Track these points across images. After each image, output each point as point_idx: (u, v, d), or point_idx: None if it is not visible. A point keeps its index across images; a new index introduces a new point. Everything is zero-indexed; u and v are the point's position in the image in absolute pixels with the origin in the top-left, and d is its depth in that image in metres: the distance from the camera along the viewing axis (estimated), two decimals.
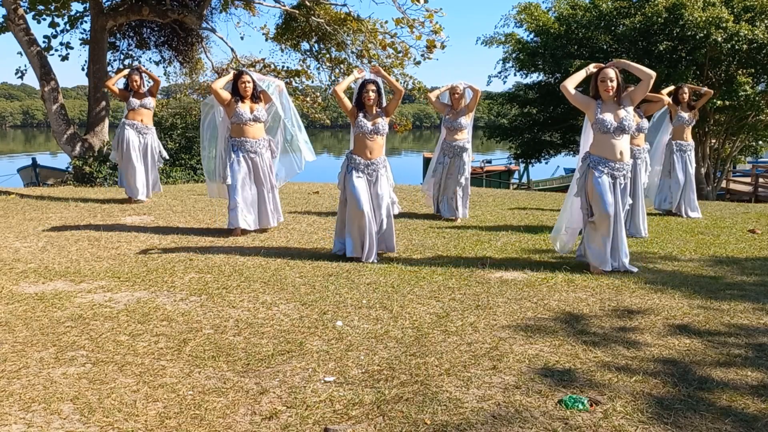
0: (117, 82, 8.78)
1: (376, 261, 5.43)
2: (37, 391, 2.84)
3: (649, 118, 7.68)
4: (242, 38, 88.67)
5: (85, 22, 14.23)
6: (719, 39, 16.09)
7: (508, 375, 3.05)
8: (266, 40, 14.97)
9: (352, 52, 14.14)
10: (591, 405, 2.72)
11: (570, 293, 4.47)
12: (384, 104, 5.62)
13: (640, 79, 4.94)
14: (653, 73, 4.90)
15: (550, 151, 24.35)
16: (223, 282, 4.69)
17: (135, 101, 8.47)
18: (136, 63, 14.82)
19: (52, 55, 14.49)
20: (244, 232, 6.58)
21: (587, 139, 5.24)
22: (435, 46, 13.24)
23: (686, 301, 4.28)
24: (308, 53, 14.92)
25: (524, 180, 29.74)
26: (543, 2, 22.08)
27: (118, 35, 14.74)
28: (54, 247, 5.89)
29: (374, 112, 5.51)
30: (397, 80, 13.45)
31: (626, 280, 4.84)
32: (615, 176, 4.95)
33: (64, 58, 14.35)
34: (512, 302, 4.23)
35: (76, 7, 17.17)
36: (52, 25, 13.36)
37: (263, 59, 15.50)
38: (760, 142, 21.43)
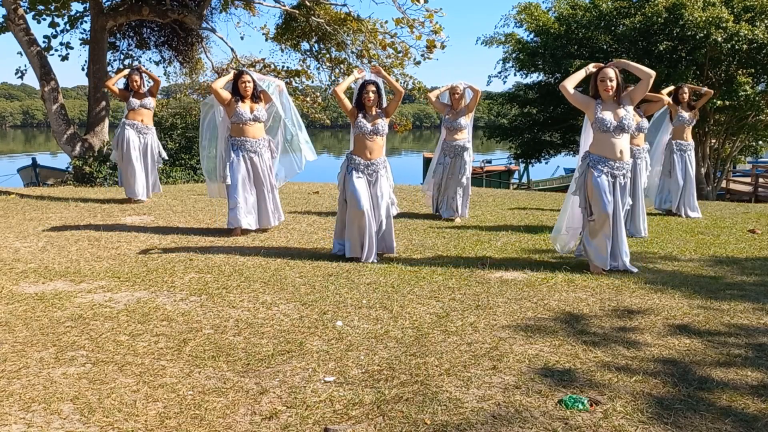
0: (117, 82, 8.78)
1: (376, 261, 5.43)
2: (37, 391, 2.84)
3: (649, 118, 7.68)
4: (242, 38, 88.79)
5: (85, 22, 14.25)
6: (719, 39, 16.10)
7: (508, 375, 3.05)
8: (266, 40, 14.99)
9: (352, 52, 14.15)
10: (591, 405, 2.72)
11: (570, 293, 4.47)
12: (384, 105, 5.62)
13: (640, 79, 4.94)
14: (653, 73, 4.90)
15: (550, 151, 24.36)
16: (223, 282, 4.69)
17: (135, 101, 8.48)
18: (136, 63, 14.82)
19: (52, 55, 14.51)
20: (244, 232, 6.58)
21: (587, 138, 5.24)
22: (435, 46, 13.25)
23: (686, 301, 4.28)
24: (308, 53, 14.92)
25: (524, 180, 29.74)
26: (543, 2, 22.12)
27: (118, 35, 14.74)
28: (54, 247, 5.89)
29: (374, 112, 5.52)
30: (397, 80, 13.46)
31: (626, 280, 4.84)
32: (615, 175, 4.95)
33: (64, 58, 14.36)
34: (512, 302, 4.23)
35: (76, 7, 17.20)
36: (52, 25, 13.37)
37: (263, 59, 15.52)
38: (760, 142, 21.43)
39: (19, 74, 14.13)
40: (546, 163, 26.21)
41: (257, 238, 6.41)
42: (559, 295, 4.41)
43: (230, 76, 6.51)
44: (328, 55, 14.61)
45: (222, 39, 17.03)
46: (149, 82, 8.76)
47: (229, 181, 6.29)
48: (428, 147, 52.79)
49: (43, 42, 13.42)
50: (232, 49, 15.40)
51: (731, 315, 4.00)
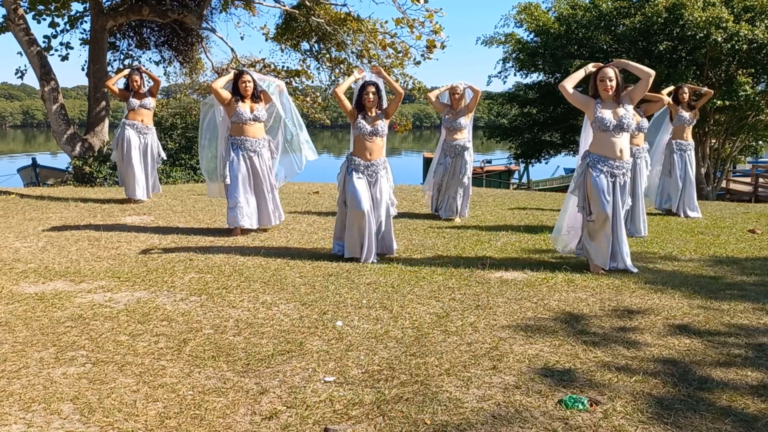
0: (117, 82, 8.78)
1: (375, 261, 5.43)
2: (37, 391, 2.84)
3: (649, 118, 7.68)
4: (242, 38, 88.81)
5: (85, 22, 14.25)
6: (719, 39, 16.10)
7: (508, 375, 3.05)
8: (266, 40, 14.99)
9: (352, 52, 14.15)
10: (591, 405, 2.72)
11: (570, 293, 4.47)
12: (384, 106, 5.62)
13: (640, 79, 4.94)
14: (652, 72, 4.90)
15: (550, 151, 24.36)
16: (223, 282, 4.69)
17: (135, 101, 8.47)
18: (136, 63, 14.82)
19: (52, 55, 14.51)
20: (244, 231, 6.58)
21: (587, 138, 5.24)
22: (435, 46, 13.25)
23: (686, 301, 4.28)
24: (308, 53, 14.92)
25: (524, 180, 29.74)
26: (543, 2, 22.12)
27: (118, 35, 14.74)
28: (54, 247, 5.89)
29: (374, 113, 5.52)
30: (396, 80, 13.47)
31: (626, 280, 4.84)
32: (615, 174, 4.94)
33: (64, 58, 14.36)
34: (512, 302, 4.23)
35: (76, 7, 17.20)
36: (52, 25, 13.37)
37: (263, 59, 15.52)
38: (760, 142, 21.43)
39: (19, 74, 14.14)
40: (546, 163, 26.21)
41: (257, 238, 6.41)
42: (559, 295, 4.41)
43: (230, 75, 6.51)
44: (328, 55, 14.61)
45: (222, 39, 17.05)
46: (149, 82, 8.76)
47: (228, 180, 6.30)
48: (428, 147, 52.80)
49: (43, 42, 13.43)
50: (232, 49, 15.42)
51: (731, 315, 4.00)
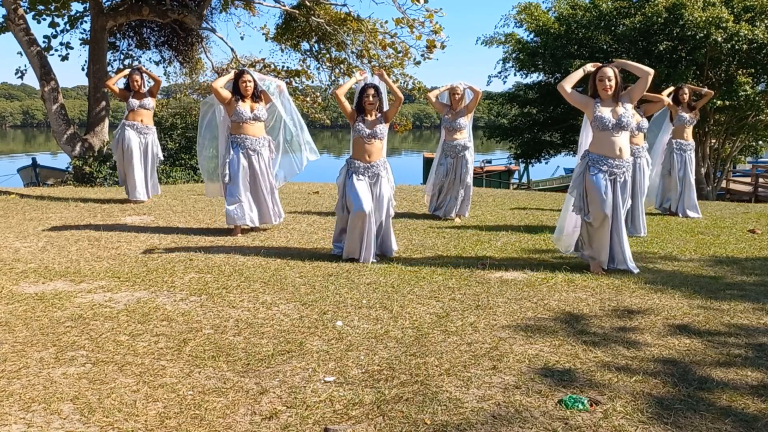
0: (117, 82, 8.77)
1: (375, 261, 5.43)
2: (37, 391, 2.84)
3: (649, 118, 7.69)
4: (242, 38, 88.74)
5: (85, 22, 14.25)
6: (719, 39, 16.09)
7: (508, 375, 3.05)
8: (266, 40, 14.99)
9: (352, 52, 14.15)
10: (591, 405, 2.72)
11: (570, 293, 4.47)
12: (385, 108, 5.63)
13: (639, 78, 4.94)
14: (651, 71, 4.90)
15: (550, 151, 24.35)
16: (223, 282, 4.69)
17: (134, 102, 8.46)
18: (136, 63, 14.82)
19: (52, 55, 14.50)
20: (244, 231, 6.58)
21: (586, 137, 5.24)
22: (435, 46, 13.24)
23: (686, 301, 4.28)
24: (308, 53, 14.92)
25: (524, 180, 29.74)
26: (543, 2, 22.11)
27: (118, 35, 14.74)
28: (54, 247, 5.89)
29: (374, 116, 5.53)
30: (396, 80, 13.47)
31: (626, 280, 4.84)
32: (614, 174, 4.94)
33: (64, 58, 14.36)
34: (512, 302, 4.23)
35: (76, 7, 17.19)
36: (52, 25, 13.36)
37: (263, 59, 15.52)
38: (760, 142, 21.43)
39: (19, 74, 14.13)
40: (546, 163, 26.21)
41: (257, 238, 6.41)
42: (559, 295, 4.41)
43: (231, 75, 6.51)
44: (328, 55, 14.61)
45: (222, 39, 17.04)
46: (149, 82, 8.76)
47: (227, 179, 6.30)
48: (428, 147, 52.81)
49: (43, 42, 13.43)
50: (232, 49, 15.42)
51: (731, 315, 4.00)
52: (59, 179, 13.56)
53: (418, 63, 13.73)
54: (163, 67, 16.09)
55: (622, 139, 4.93)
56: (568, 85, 5.00)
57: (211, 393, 2.85)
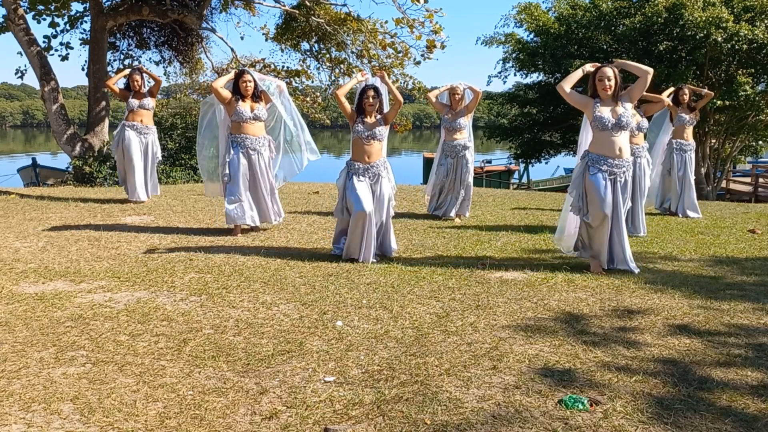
0: (117, 82, 8.77)
1: (375, 261, 5.43)
2: (37, 391, 2.84)
3: (649, 118, 7.69)
4: (242, 38, 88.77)
5: (85, 22, 14.25)
6: (719, 39, 16.09)
7: (508, 375, 3.05)
8: (266, 40, 14.99)
9: (352, 52, 14.15)
10: (591, 405, 2.72)
11: (570, 293, 4.47)
12: (385, 110, 5.64)
13: (638, 77, 4.94)
14: (650, 70, 4.90)
15: (550, 151, 24.35)
16: (223, 282, 4.69)
17: (134, 102, 8.45)
18: (136, 63, 14.82)
19: (52, 55, 14.50)
20: (244, 231, 6.59)
21: (586, 138, 5.24)
22: (435, 46, 13.24)
23: (686, 301, 4.28)
24: (308, 53, 14.92)
25: (524, 180, 29.74)
26: (543, 2, 22.11)
27: (118, 35, 14.74)
28: (54, 247, 5.89)
29: (374, 118, 5.53)
30: (396, 80, 13.47)
31: (626, 280, 4.84)
32: (614, 173, 4.93)
33: (64, 58, 14.36)
34: (512, 302, 4.23)
35: (76, 7, 17.18)
36: (52, 25, 13.36)
37: (263, 59, 15.52)
38: (760, 142, 21.43)
39: (19, 74, 14.13)
40: (546, 163, 26.21)
41: (257, 238, 6.41)
42: (559, 295, 4.41)
43: (231, 75, 6.52)
44: (328, 55, 14.61)
45: (222, 39, 17.04)
46: (149, 82, 8.75)
47: (227, 179, 6.30)
48: (428, 147, 52.81)
49: (43, 42, 13.43)
50: (232, 49, 15.42)
51: (731, 315, 4.00)
52: (59, 179, 13.56)
53: (418, 63, 13.74)
54: (163, 67, 16.11)
55: (621, 139, 4.93)
56: (567, 85, 5.00)
57: (211, 393, 2.85)
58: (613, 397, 2.81)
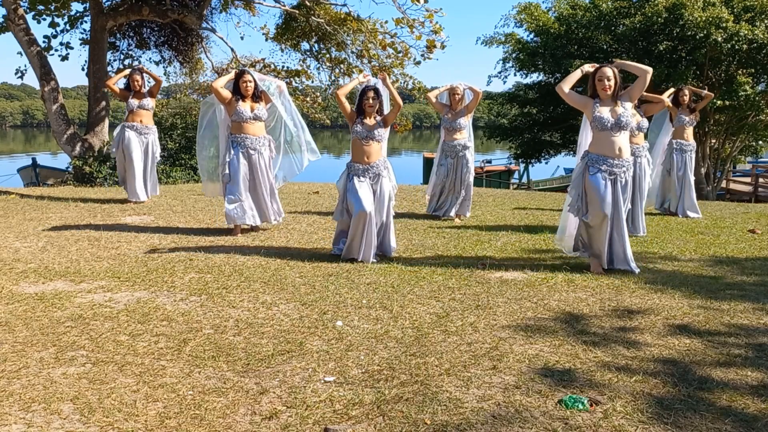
0: (117, 82, 8.76)
1: (375, 261, 5.43)
2: (37, 391, 2.84)
3: (649, 119, 7.70)
4: (242, 38, 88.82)
5: (85, 22, 14.25)
6: (719, 39, 16.09)
7: (508, 375, 3.05)
8: (266, 40, 14.99)
9: (352, 52, 14.15)
10: (591, 405, 2.72)
11: (570, 293, 4.47)
12: (385, 111, 5.64)
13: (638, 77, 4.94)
14: (649, 69, 4.90)
15: (550, 151, 24.35)
16: (223, 282, 4.69)
17: (134, 102, 8.44)
18: (136, 63, 14.82)
19: (52, 55, 14.50)
20: (244, 231, 6.59)
21: (586, 138, 5.24)
22: (435, 46, 13.24)
23: (686, 301, 4.28)
24: (308, 53, 14.92)
25: (524, 180, 29.75)
26: (543, 2, 22.10)
27: (118, 35, 14.74)
28: (54, 247, 5.89)
29: (374, 119, 5.53)
30: (396, 80, 13.47)
31: (626, 280, 4.84)
32: (614, 173, 4.93)
33: (64, 58, 14.35)
34: (512, 302, 4.23)
35: (76, 7, 17.19)
36: (52, 25, 13.36)
37: (263, 59, 15.52)
38: (760, 142, 21.43)
39: (19, 74, 14.13)
40: (546, 163, 26.21)
41: (257, 238, 6.41)
42: (559, 295, 4.41)
43: (231, 75, 6.52)
44: (328, 55, 14.61)
45: (222, 39, 17.04)
46: (150, 83, 8.75)
47: (227, 179, 6.30)
48: (428, 147, 52.81)
49: (43, 42, 13.42)
50: (232, 49, 15.42)
51: (731, 315, 4.00)
52: (59, 179, 13.56)
53: (418, 63, 13.74)
54: (163, 67, 16.11)
55: (621, 139, 4.93)
56: (566, 86, 5.01)
57: (211, 393, 2.85)
58: (613, 397, 2.81)
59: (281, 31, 14.44)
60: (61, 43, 14.23)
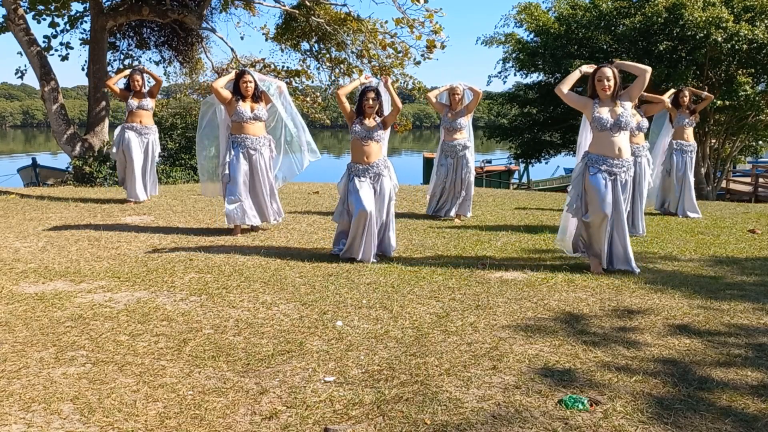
0: (118, 82, 8.76)
1: (375, 261, 5.43)
2: (37, 391, 2.84)
3: (650, 119, 7.70)
4: (242, 38, 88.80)
5: (85, 22, 14.24)
6: (719, 39, 16.09)
7: (508, 375, 3.05)
8: (266, 40, 14.99)
9: (352, 52, 14.14)
10: (591, 405, 2.72)
11: (570, 293, 4.47)
12: (385, 113, 5.65)
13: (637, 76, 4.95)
14: (648, 68, 4.90)
15: (550, 151, 24.35)
16: (223, 282, 4.69)
17: (133, 103, 8.43)
18: (137, 63, 14.82)
19: (52, 55, 14.50)
20: (244, 231, 6.59)
21: (585, 138, 5.24)
22: (435, 46, 13.24)
23: (686, 301, 4.28)
24: (308, 53, 14.92)
25: (524, 180, 29.75)
26: (543, 2, 22.10)
27: (118, 35, 14.74)
28: (54, 247, 5.89)
29: (373, 121, 5.53)
30: (396, 80, 13.46)
31: (626, 280, 4.84)
32: (614, 173, 4.93)
33: (64, 58, 14.35)
34: (512, 302, 4.23)
35: (76, 7, 17.19)
36: (52, 25, 13.36)
37: (263, 59, 15.51)
38: (760, 142, 21.43)
39: (19, 74, 14.13)
40: (546, 163, 26.21)
41: (257, 238, 6.41)
42: (559, 295, 4.41)
43: (232, 75, 6.52)
44: (328, 55, 14.61)
45: (222, 39, 17.03)
46: (150, 83, 8.74)
47: (228, 178, 6.30)
48: (428, 147, 52.81)
49: (43, 42, 13.42)
50: (232, 49, 15.41)
51: (731, 315, 4.00)
52: (59, 179, 13.55)
53: (418, 63, 13.74)
54: (163, 67, 16.11)
55: (621, 139, 4.93)
56: (565, 87, 5.01)
57: (211, 393, 2.85)
58: (613, 397, 2.81)
59: (281, 31, 14.44)
60: (61, 43, 14.24)
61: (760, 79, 17.76)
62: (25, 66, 13.53)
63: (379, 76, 5.98)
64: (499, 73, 22.87)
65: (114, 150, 8.67)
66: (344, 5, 13.75)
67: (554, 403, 2.75)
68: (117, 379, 2.98)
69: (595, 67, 5.02)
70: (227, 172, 6.31)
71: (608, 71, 4.90)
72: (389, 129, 5.69)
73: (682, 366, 3.17)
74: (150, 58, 21.61)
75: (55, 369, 3.09)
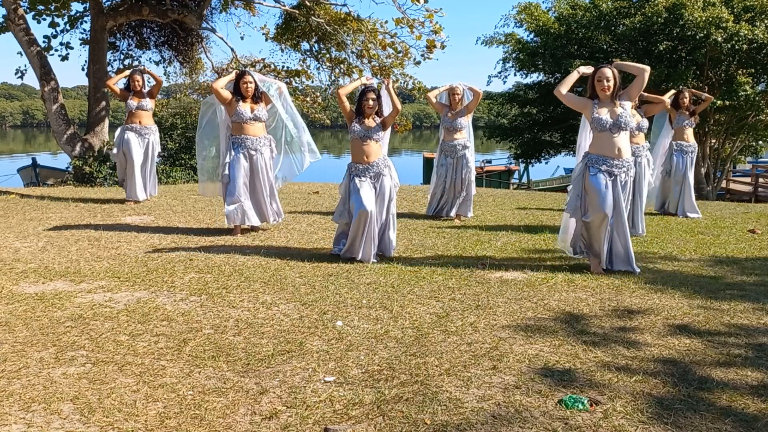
0: (118, 82, 8.76)
1: (375, 261, 5.43)
2: (37, 391, 2.84)
3: (650, 119, 7.70)
4: (242, 38, 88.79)
5: (85, 22, 14.24)
6: (719, 39, 16.09)
7: (508, 375, 3.05)
8: (266, 40, 14.98)
9: (352, 52, 14.14)
10: (591, 405, 2.72)
11: (570, 293, 4.47)
12: (385, 112, 5.65)
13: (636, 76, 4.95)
14: (647, 67, 4.90)
15: (550, 151, 24.36)
16: (223, 282, 4.69)
17: (133, 103, 8.43)
18: (137, 63, 14.82)
19: (52, 55, 14.49)
20: (244, 231, 6.59)
21: (585, 139, 5.24)
22: (435, 46, 13.24)
23: (686, 301, 4.28)
24: (308, 53, 14.92)
25: (524, 180, 29.75)
26: (543, 2, 22.11)
27: (118, 35, 14.74)
28: (54, 247, 5.89)
29: (373, 121, 5.54)
30: (396, 80, 13.46)
31: (626, 280, 4.84)
32: (614, 173, 4.93)
33: (64, 58, 14.35)
34: (512, 302, 4.24)
35: (76, 7, 17.19)
36: (52, 25, 13.36)
37: (263, 59, 15.51)
38: (760, 142, 21.43)
39: (19, 74, 14.13)
40: (546, 163, 26.22)
41: (257, 238, 6.41)
42: (559, 295, 4.41)
43: (232, 75, 6.52)
44: (328, 55, 14.61)
45: (222, 39, 17.04)
46: (150, 83, 8.74)
47: (228, 179, 6.30)
48: (428, 147, 52.80)
49: (43, 42, 13.42)
50: (232, 49, 15.41)
51: (731, 315, 4.00)
52: (59, 179, 13.56)
53: (418, 63, 13.73)
54: (163, 67, 16.10)
55: (621, 139, 4.93)
56: (564, 88, 5.02)
57: (211, 393, 2.85)
58: (613, 397, 2.81)
59: (281, 31, 14.44)
60: (61, 43, 14.24)
61: (760, 79, 17.76)
62: (25, 66, 13.55)
63: (380, 77, 5.96)
64: (499, 73, 22.88)
65: (114, 151, 8.67)
66: (344, 5, 13.76)
67: (554, 403, 2.75)
68: (117, 379, 2.98)
69: (594, 68, 5.02)
70: (227, 172, 6.31)
71: (608, 71, 4.90)
72: (389, 129, 5.70)
73: (682, 366, 3.17)
74: (150, 58, 21.64)
75: (55, 369, 3.09)
